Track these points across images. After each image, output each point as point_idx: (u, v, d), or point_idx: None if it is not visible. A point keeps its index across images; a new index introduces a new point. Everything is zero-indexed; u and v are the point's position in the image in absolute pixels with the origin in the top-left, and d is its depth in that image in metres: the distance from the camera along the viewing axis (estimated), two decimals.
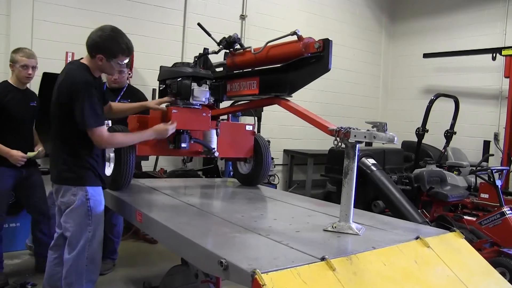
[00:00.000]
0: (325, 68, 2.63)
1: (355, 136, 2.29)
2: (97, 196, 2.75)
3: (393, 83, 9.66)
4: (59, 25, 5.62)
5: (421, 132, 6.53)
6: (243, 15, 7.49)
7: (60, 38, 5.58)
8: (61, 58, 5.24)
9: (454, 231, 2.52)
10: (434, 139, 7.44)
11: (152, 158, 6.32)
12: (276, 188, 6.93)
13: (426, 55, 8.28)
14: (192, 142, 3.35)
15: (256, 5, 7.62)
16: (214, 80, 3.32)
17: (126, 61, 2.83)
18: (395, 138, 2.22)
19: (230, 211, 2.95)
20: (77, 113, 2.55)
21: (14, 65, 3.72)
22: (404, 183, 5.58)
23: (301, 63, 2.75)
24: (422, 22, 8.96)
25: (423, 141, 6.86)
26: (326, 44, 2.60)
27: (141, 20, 6.41)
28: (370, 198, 5.57)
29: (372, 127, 2.31)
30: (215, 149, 3.47)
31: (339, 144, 2.38)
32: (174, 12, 6.76)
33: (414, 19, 9.18)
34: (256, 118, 7.04)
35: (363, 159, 5.45)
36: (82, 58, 2.77)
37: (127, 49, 2.70)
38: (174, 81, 3.08)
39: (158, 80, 3.36)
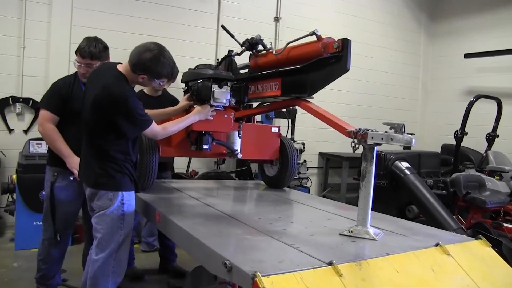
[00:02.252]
0: (344, 68, 2.57)
1: (372, 138, 2.22)
2: (131, 200, 2.77)
3: (433, 84, 9.34)
4: (95, 30, 5.73)
5: (460, 135, 6.26)
6: (277, 17, 7.47)
7: None
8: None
9: (480, 238, 2.39)
10: (476, 142, 7.12)
11: (185, 159, 6.40)
12: (308, 191, 6.85)
13: (467, 55, 7.96)
14: (215, 143, 3.35)
15: (291, 7, 7.58)
16: (235, 82, 3.31)
17: (165, 83, 2.84)
18: (413, 140, 2.13)
19: (248, 213, 2.95)
20: (126, 127, 2.60)
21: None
22: (439, 187, 5.36)
23: (320, 63, 2.69)
24: (463, 20, 8.62)
25: (465, 144, 6.58)
26: (345, 44, 2.54)
27: (175, 23, 6.53)
28: (404, 202, 5.40)
29: (390, 129, 2.23)
30: (238, 151, 3.46)
31: (357, 146, 2.32)
32: (208, 15, 6.84)
33: (455, 18, 8.84)
34: (290, 120, 6.99)
35: (397, 162, 5.30)
36: (118, 64, 2.73)
37: (172, 74, 2.76)
38: (195, 83, 3.10)
39: (181, 82, 3.39)
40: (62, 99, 3.25)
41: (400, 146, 2.20)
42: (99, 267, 2.69)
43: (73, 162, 3.16)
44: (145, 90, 4.13)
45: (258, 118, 6.68)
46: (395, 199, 5.33)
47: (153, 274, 4.33)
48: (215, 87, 3.06)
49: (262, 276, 1.57)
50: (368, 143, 2.25)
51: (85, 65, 3.26)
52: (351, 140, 2.33)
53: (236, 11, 7.04)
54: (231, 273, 1.73)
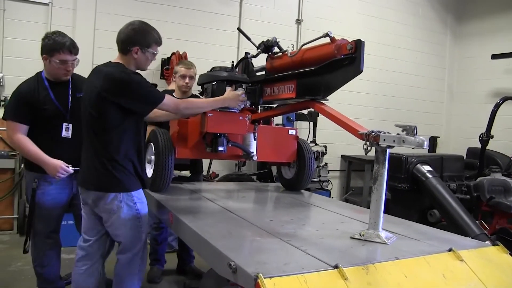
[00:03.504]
0: (358, 70, 2.53)
1: (384, 140, 2.19)
2: (142, 198, 2.77)
3: (458, 86, 9.14)
4: None
5: (485, 138, 6.08)
6: (299, 20, 7.46)
7: None
8: None
9: (497, 244, 2.32)
10: (504, 145, 6.94)
11: (205, 161, 6.44)
12: (329, 194, 6.80)
13: (494, 56, 7.75)
14: (230, 145, 3.36)
15: (312, 9, 7.56)
16: (250, 84, 3.32)
17: (158, 51, 2.84)
18: (425, 143, 2.09)
19: (261, 215, 2.94)
20: (136, 105, 2.61)
21: (174, 76, 4.11)
22: (463, 192, 5.23)
23: (334, 65, 2.67)
24: (490, 20, 8.41)
25: (492, 148, 6.40)
26: (358, 45, 2.50)
27: (197, 27, 6.61)
28: (425, 206, 5.28)
29: (402, 131, 2.20)
30: (254, 153, 3.46)
31: (369, 148, 2.29)
32: (229, 18, 6.88)
33: (482, 18, 8.63)
34: (311, 123, 6.95)
35: (418, 165, 5.19)
36: (109, 62, 2.74)
37: (159, 38, 2.80)
38: (209, 85, 3.12)
39: (197, 84, 3.42)
40: (29, 106, 3.02)
41: (413, 148, 2.15)
42: (124, 265, 2.75)
43: (53, 165, 2.95)
44: (175, 94, 4.14)
45: (279, 120, 6.69)
46: (416, 203, 5.23)
47: (171, 274, 4.37)
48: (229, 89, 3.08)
49: (264, 278, 1.57)
50: (380, 145, 2.22)
51: (73, 61, 3.10)
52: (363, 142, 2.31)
53: (258, 14, 7.08)
54: (236, 274, 1.74)
